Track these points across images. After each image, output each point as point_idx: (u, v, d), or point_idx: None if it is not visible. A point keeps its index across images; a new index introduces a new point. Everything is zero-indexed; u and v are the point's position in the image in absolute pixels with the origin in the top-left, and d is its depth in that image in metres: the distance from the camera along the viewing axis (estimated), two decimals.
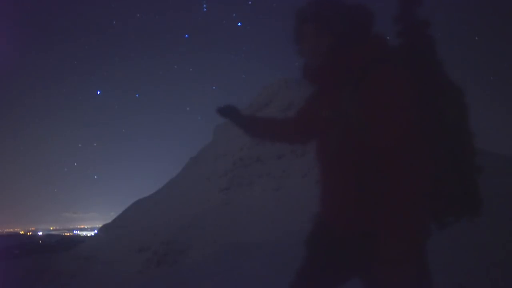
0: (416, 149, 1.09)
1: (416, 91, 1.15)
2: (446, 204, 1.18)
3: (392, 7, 1.30)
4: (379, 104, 1.12)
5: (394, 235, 1.08)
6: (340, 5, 1.29)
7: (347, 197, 1.24)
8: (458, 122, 1.20)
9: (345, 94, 1.19)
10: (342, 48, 1.24)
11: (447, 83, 1.22)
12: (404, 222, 1.08)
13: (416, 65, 1.20)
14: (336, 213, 1.31)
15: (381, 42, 1.25)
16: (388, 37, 1.29)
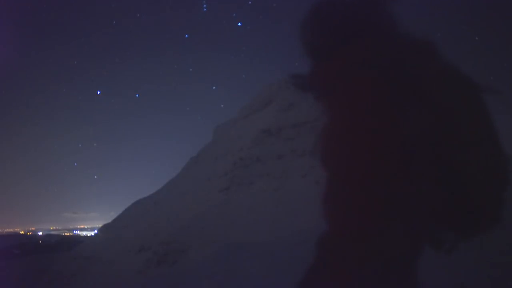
0: (405, 156, 1.09)
1: (399, 96, 1.10)
2: (445, 219, 1.13)
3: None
4: (356, 116, 1.12)
5: (390, 236, 1.08)
6: (332, 11, 1.27)
7: (351, 198, 1.23)
8: (468, 126, 1.11)
9: (330, 101, 1.20)
10: (329, 55, 1.24)
11: (448, 83, 1.17)
12: (399, 224, 1.08)
13: (399, 69, 1.14)
14: (336, 214, 1.31)
15: (364, 47, 1.21)
16: (375, 40, 1.26)
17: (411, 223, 1.08)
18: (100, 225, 36.71)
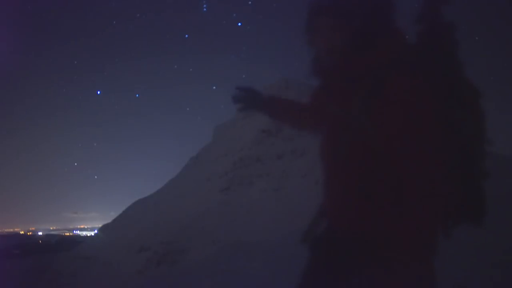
0: (428, 155, 1.09)
1: (433, 98, 1.12)
2: (449, 209, 1.16)
3: (414, 4, 1.23)
4: (393, 114, 1.10)
5: (400, 237, 1.08)
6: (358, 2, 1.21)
7: (352, 198, 1.22)
8: (473, 128, 1.17)
9: (358, 100, 1.15)
10: (358, 46, 1.18)
11: (466, 88, 1.18)
12: (411, 226, 1.07)
13: (436, 70, 1.15)
14: (340, 214, 1.30)
15: (399, 42, 1.19)
16: (407, 35, 1.22)
17: (418, 222, 1.08)
18: (100, 225, 36.64)
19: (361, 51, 1.18)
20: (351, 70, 1.20)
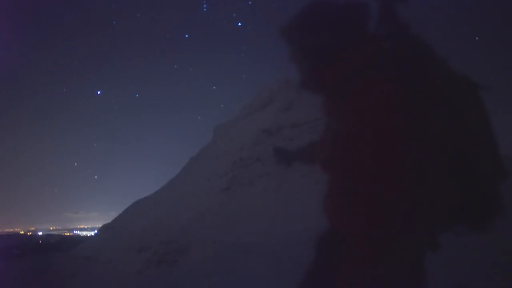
0: (408, 157, 1.08)
1: (407, 97, 1.11)
2: (457, 212, 1.14)
3: (378, 10, 1.26)
4: (365, 117, 1.12)
5: (389, 237, 1.08)
6: (328, 11, 1.25)
7: (345, 198, 1.23)
8: (468, 123, 1.13)
9: (334, 105, 1.20)
10: (332, 55, 1.22)
11: (451, 81, 1.16)
12: (400, 225, 1.08)
13: (407, 69, 1.15)
14: (337, 214, 1.31)
15: (370, 48, 1.22)
16: (379, 40, 1.25)
17: (418, 223, 1.08)
18: (100, 225, 36.67)
19: (335, 60, 1.21)
20: (327, 79, 1.24)
